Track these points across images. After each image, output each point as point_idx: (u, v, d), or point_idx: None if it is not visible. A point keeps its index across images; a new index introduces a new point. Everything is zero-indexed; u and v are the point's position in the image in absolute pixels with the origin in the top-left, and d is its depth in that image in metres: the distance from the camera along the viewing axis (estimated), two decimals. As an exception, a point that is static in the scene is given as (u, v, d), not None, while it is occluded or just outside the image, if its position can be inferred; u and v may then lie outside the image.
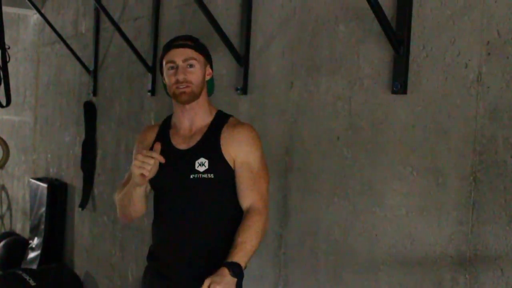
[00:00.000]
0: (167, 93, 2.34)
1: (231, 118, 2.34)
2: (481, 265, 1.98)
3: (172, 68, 2.25)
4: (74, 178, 5.22)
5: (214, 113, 2.35)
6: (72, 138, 5.25)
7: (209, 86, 2.36)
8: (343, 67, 2.51)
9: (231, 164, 2.24)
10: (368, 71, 2.40)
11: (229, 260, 2.06)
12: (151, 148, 2.27)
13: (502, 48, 1.93)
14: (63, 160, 5.48)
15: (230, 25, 3.17)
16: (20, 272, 4.64)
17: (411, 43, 2.23)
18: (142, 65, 3.93)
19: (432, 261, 2.13)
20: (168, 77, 2.26)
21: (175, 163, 2.24)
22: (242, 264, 2.08)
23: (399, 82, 2.24)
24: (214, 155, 2.23)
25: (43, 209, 5.35)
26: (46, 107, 5.93)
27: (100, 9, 4.18)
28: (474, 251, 2.00)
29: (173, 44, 2.29)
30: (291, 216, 2.70)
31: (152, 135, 2.38)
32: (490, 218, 1.95)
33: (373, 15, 2.21)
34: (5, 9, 5.98)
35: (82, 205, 4.89)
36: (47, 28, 5.27)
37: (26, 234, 6.07)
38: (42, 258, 5.27)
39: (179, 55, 2.24)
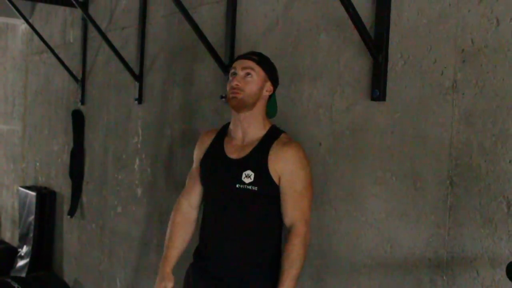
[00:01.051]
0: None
1: (282, 135, 2.45)
2: (458, 267, 2.03)
3: (233, 74, 2.41)
4: (62, 186, 5.24)
5: (268, 127, 2.46)
6: (60, 146, 5.28)
7: (271, 105, 2.49)
8: (324, 75, 2.57)
9: (275, 180, 2.36)
10: (348, 79, 2.45)
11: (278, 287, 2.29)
12: (205, 156, 2.52)
13: (476, 56, 1.99)
14: (51, 168, 5.50)
15: (215, 35, 3.22)
16: (9, 280, 4.65)
17: (390, 51, 2.29)
18: (129, 73, 3.98)
19: (411, 263, 2.18)
20: (228, 84, 2.43)
21: (224, 170, 2.42)
22: None
23: (378, 89, 2.30)
24: (260, 169, 2.35)
25: (32, 217, 5.36)
26: (34, 115, 5.95)
27: (87, 19, 4.21)
28: (451, 253, 2.05)
29: (240, 55, 2.48)
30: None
31: (208, 141, 2.56)
32: (466, 221, 2.00)
33: (353, 24, 2.27)
34: (-5, 18, 6.05)
35: (71, 213, 4.91)
36: (36, 37, 5.30)
37: (15, 242, 6.07)
38: (31, 266, 5.27)
39: (240, 64, 2.41)
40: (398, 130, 2.25)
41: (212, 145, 2.52)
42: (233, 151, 2.43)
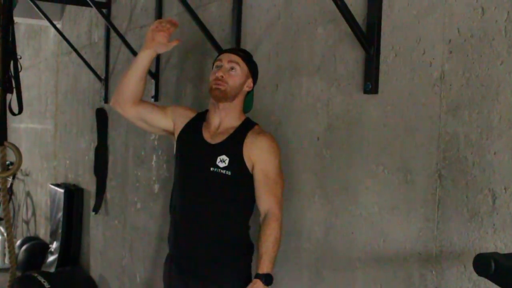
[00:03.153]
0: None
1: (256, 126, 2.57)
2: (446, 261, 2.00)
3: (217, 67, 2.51)
4: (89, 183, 5.35)
5: (243, 119, 2.58)
6: (87, 144, 5.39)
7: (248, 100, 2.59)
8: (321, 69, 2.56)
9: (249, 167, 2.47)
10: (343, 72, 2.44)
11: (259, 271, 2.38)
12: (183, 130, 2.59)
13: (462, 46, 1.95)
14: (79, 166, 5.62)
15: (223, 31, 3.25)
16: (35, 275, 4.77)
17: (381, 44, 2.26)
18: (146, 71, 4.02)
19: (402, 258, 2.16)
20: (211, 75, 2.52)
21: (200, 153, 2.52)
22: (271, 272, 2.39)
23: (371, 82, 2.28)
24: (235, 155, 2.45)
25: (60, 214, 5.49)
26: (65, 114, 6.09)
27: (107, 20, 4.29)
28: (440, 247, 2.02)
29: (227, 50, 2.62)
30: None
31: (190, 115, 2.64)
32: (454, 215, 1.97)
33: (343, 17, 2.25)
34: (29, 20, 6.22)
35: (96, 209, 5.01)
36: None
37: (48, 238, 6.23)
38: (59, 261, 5.41)
39: (226, 57, 2.51)
40: (389, 123, 2.22)
41: (191, 123, 2.60)
42: (209, 136, 2.53)
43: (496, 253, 1.47)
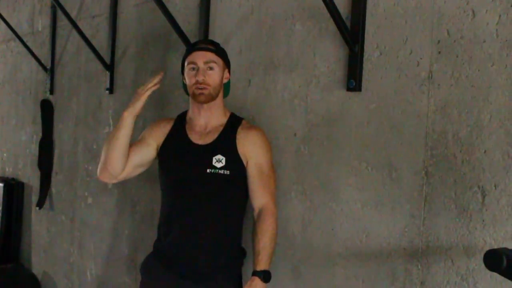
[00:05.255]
0: (186, 92, 2.51)
1: (243, 121, 2.55)
2: (433, 256, 2.05)
3: (193, 69, 2.43)
4: (31, 177, 5.15)
5: (228, 114, 2.54)
6: (28, 137, 5.18)
7: (225, 88, 2.55)
8: (299, 65, 2.56)
9: (244, 163, 2.44)
10: (324, 69, 2.45)
11: (257, 268, 2.33)
12: (166, 141, 2.49)
13: (451, 47, 2.01)
14: (19, 159, 5.40)
15: (189, 24, 3.19)
16: (-24, 273, 4.56)
17: (366, 42, 2.29)
18: (100, 63, 3.91)
19: (386, 253, 2.20)
20: (188, 78, 2.44)
21: (193, 156, 2.43)
22: (268, 268, 2.34)
23: (354, 79, 2.30)
24: (231, 153, 2.42)
25: (-1, 209, 5.26)
26: (1, 105, 5.82)
27: (57, 7, 4.13)
28: (426, 242, 2.07)
29: (195, 47, 2.48)
30: (250, 211, 2.73)
31: (167, 127, 2.55)
32: (441, 211, 2.02)
33: (329, 14, 2.26)
34: (-42, 5, 5.89)
35: (40, 205, 4.83)
36: (2, 25, 5.18)
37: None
38: (-2, 258, 5.18)
39: (201, 57, 2.42)
40: (373, 120, 2.25)
41: (172, 132, 2.53)
42: (198, 138, 2.47)
43: (506, 249, 1.52)
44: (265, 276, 2.33)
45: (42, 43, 4.94)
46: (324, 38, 2.46)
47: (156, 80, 2.44)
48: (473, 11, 1.95)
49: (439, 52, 2.04)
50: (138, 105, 2.42)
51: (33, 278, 4.88)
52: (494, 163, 1.88)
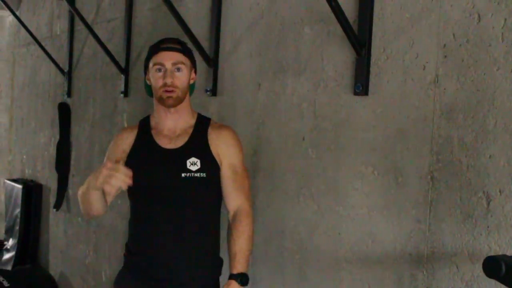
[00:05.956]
0: (149, 94, 2.37)
1: (211, 120, 2.43)
2: (438, 262, 2.03)
3: (159, 70, 2.27)
4: (49, 179, 5.21)
5: (195, 115, 2.41)
6: (47, 139, 5.25)
7: (191, 89, 2.42)
8: (308, 69, 2.56)
9: (219, 164, 2.32)
10: (331, 73, 2.45)
11: (234, 271, 2.23)
12: (133, 150, 2.33)
13: (457, 51, 1.99)
14: (38, 161, 5.47)
15: (200, 28, 3.21)
16: (-6, 273, 4.64)
17: (372, 46, 2.28)
18: (115, 66, 3.95)
19: (392, 258, 2.18)
20: (155, 80, 2.28)
21: (164, 162, 2.29)
22: (246, 271, 2.24)
23: (361, 83, 2.29)
24: (205, 155, 2.30)
25: (18, 210, 5.34)
26: (21, 108, 5.91)
27: (73, 12, 4.18)
28: (432, 248, 2.05)
29: (161, 46, 2.31)
30: (258, 215, 2.74)
31: (131, 137, 2.39)
32: (446, 216, 2.00)
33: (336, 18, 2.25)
34: (-19, 10, 5.99)
35: (57, 206, 4.89)
36: (22, 29, 5.26)
37: (1, 235, 6.05)
38: (16, 259, 5.25)
39: (168, 58, 2.27)
40: (380, 124, 2.24)
41: (138, 141, 2.37)
42: (167, 142, 2.33)
43: (505, 256, 1.51)
44: (242, 279, 2.22)
45: (60, 46, 5.01)
46: (332, 42, 2.45)
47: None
48: (478, 15, 1.93)
49: (445, 56, 2.02)
50: (99, 185, 2.07)
51: (50, 278, 4.94)
52: (499, 169, 1.86)
